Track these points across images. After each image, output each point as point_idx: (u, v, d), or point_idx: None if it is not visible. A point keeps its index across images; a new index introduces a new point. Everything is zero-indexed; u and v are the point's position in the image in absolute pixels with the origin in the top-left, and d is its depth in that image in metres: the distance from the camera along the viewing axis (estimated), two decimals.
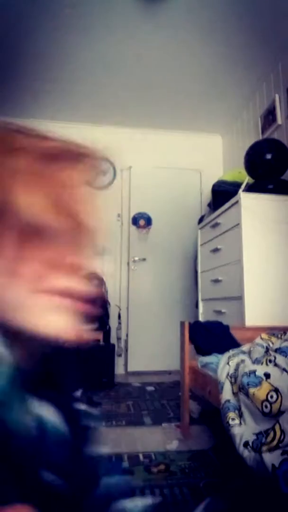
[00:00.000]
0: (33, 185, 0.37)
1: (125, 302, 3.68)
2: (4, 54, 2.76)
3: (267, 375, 1.01)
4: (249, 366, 1.09)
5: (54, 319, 0.37)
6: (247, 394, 0.99)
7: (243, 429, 0.95)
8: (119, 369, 3.52)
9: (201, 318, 2.81)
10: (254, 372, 1.04)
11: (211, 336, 1.72)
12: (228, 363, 1.28)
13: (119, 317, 3.63)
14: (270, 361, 1.10)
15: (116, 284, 3.70)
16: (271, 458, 0.76)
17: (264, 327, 1.75)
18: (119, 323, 3.61)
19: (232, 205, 2.29)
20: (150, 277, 3.70)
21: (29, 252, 0.36)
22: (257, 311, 2.03)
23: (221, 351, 1.52)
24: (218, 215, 2.53)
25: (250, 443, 0.89)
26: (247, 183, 2.33)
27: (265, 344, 1.36)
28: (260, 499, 1.11)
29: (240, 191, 2.21)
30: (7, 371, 0.31)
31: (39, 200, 0.36)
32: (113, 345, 2.92)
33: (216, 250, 2.52)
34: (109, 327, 3.41)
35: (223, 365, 1.30)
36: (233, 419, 1.02)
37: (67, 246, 0.38)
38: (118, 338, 3.58)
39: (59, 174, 0.38)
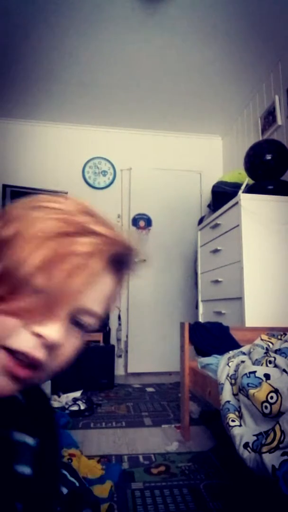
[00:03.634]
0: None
1: (125, 303, 3.68)
2: (4, 54, 2.76)
3: (267, 376, 1.01)
4: (249, 367, 1.09)
5: None
6: (247, 395, 0.99)
7: (243, 430, 0.95)
8: (119, 370, 3.52)
9: (201, 319, 2.81)
10: (254, 373, 1.04)
11: (211, 337, 1.72)
12: (228, 364, 1.28)
13: (119, 318, 3.63)
14: (270, 362, 1.10)
15: None
16: (271, 459, 0.76)
17: (264, 328, 1.75)
18: (119, 324, 3.61)
19: (232, 206, 2.29)
20: (150, 278, 3.70)
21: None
22: (257, 312, 2.03)
23: (221, 352, 1.52)
24: (218, 216, 2.53)
25: (250, 444, 0.88)
26: (247, 184, 2.33)
27: (265, 345, 1.35)
28: (260, 500, 1.11)
29: (240, 192, 2.21)
30: None
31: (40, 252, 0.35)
32: (113, 346, 2.92)
33: (216, 251, 2.52)
34: (109, 328, 3.41)
35: (223, 366, 1.30)
36: (233, 420, 1.02)
37: (38, 306, 0.35)
38: (118, 339, 3.57)
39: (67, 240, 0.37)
